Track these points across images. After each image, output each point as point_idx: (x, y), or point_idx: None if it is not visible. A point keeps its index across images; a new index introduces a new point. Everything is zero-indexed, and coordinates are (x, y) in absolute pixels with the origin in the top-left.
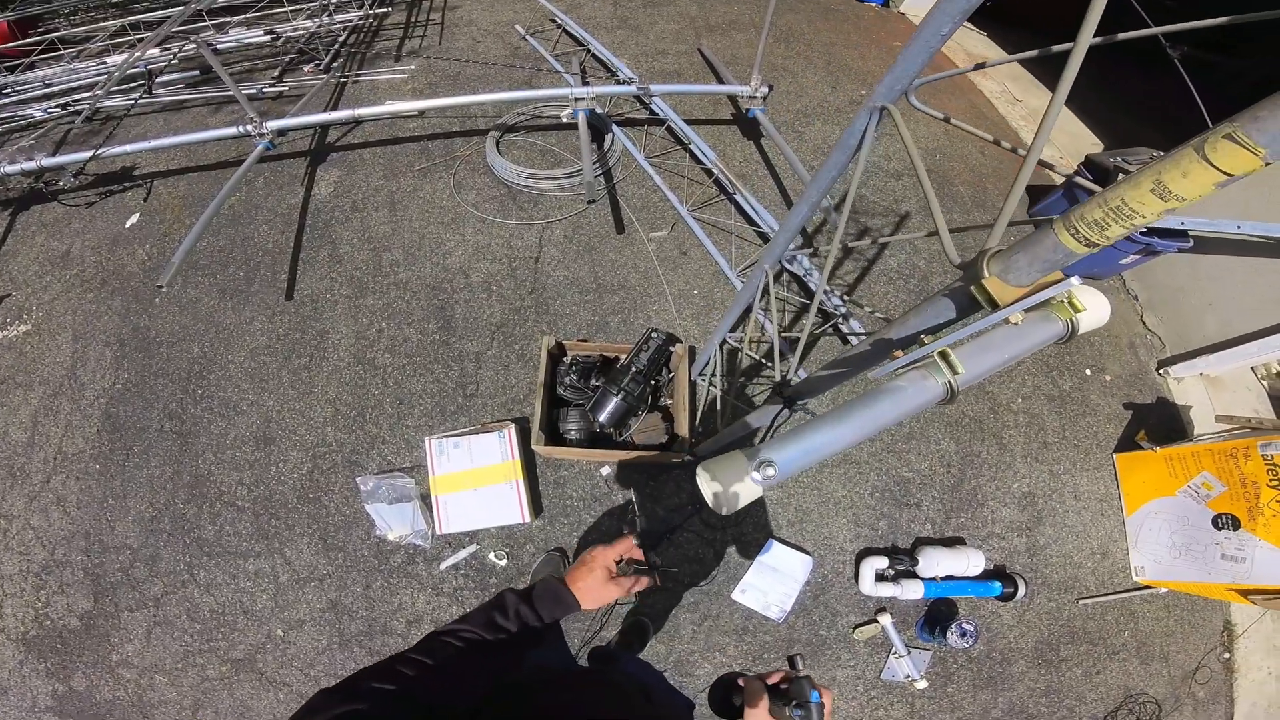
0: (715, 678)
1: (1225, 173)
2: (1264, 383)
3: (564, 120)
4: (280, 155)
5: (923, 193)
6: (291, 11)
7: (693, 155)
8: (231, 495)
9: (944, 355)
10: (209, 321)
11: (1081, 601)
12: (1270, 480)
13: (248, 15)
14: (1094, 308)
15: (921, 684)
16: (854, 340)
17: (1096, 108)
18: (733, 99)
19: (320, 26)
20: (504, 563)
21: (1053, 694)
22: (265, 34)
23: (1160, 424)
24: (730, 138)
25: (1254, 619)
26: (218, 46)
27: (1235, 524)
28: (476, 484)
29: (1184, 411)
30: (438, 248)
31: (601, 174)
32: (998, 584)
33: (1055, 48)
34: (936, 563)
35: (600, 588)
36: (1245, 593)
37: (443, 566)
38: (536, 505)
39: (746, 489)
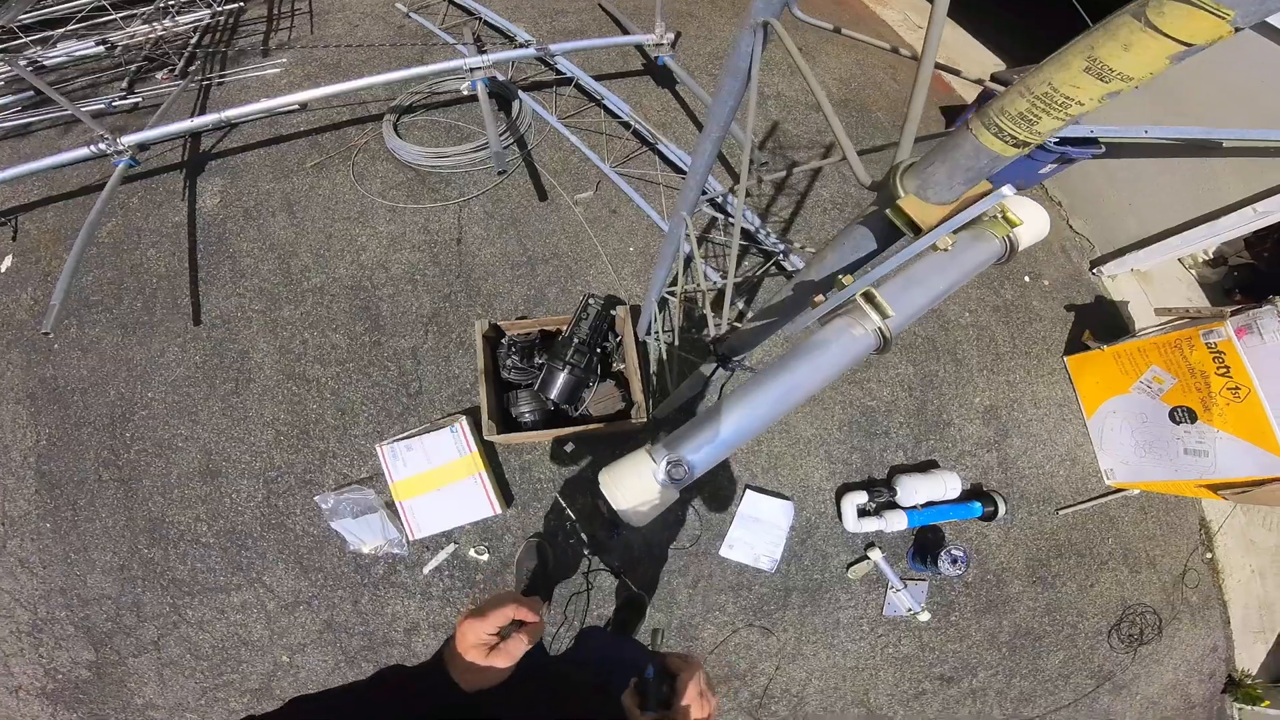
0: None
1: (1182, 42)
2: (1192, 272)
3: (464, 93)
4: (150, 172)
5: (824, 115)
6: (124, 18)
7: (607, 110)
8: (193, 533)
9: (868, 297)
10: (118, 360)
11: (1061, 512)
12: (1218, 369)
13: (74, 26)
14: (1031, 220)
15: (924, 616)
16: (790, 270)
17: (997, 36)
18: (640, 49)
19: (164, 31)
20: (485, 557)
21: (1054, 612)
22: (98, 44)
23: (1103, 322)
24: (645, 89)
25: (1226, 514)
26: (45, 63)
27: (1192, 416)
28: (439, 484)
29: (1123, 308)
30: (349, 245)
31: (513, 142)
32: (978, 504)
33: None
34: (915, 490)
35: (478, 671)
36: (1215, 488)
37: (426, 571)
38: (506, 494)
39: (658, 494)
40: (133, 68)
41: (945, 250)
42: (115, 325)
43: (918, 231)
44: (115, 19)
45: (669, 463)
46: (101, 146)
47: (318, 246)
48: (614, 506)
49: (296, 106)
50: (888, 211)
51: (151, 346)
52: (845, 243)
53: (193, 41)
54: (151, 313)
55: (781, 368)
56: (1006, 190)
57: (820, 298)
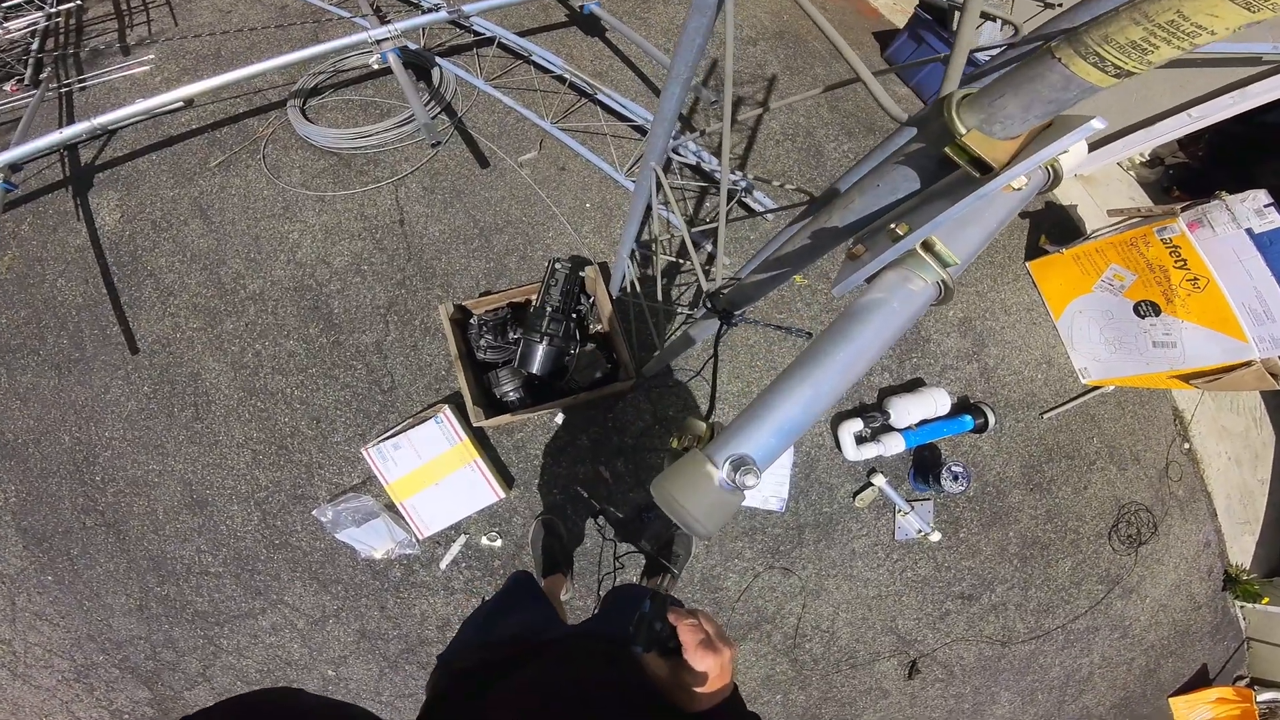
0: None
1: None
2: (1131, 173)
3: (375, 67)
4: (30, 195)
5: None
6: None
7: (538, 66)
8: (200, 565)
9: (927, 246)
10: (61, 404)
11: (1045, 415)
12: (1175, 262)
13: None
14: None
15: (935, 536)
16: (758, 209)
17: None
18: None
19: None
20: (499, 543)
21: (1054, 518)
22: None
23: (1056, 226)
24: (574, 39)
25: (1196, 401)
26: None
27: (1156, 309)
28: (436, 478)
29: (1072, 211)
30: (281, 244)
31: (440, 111)
32: (968, 418)
33: None
34: (907, 411)
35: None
36: (1186, 378)
37: (442, 566)
38: (505, 476)
39: (726, 500)
40: None
41: (1019, 190)
42: (47, 367)
43: (985, 169)
44: None
45: (733, 464)
46: None
47: (246, 250)
48: (679, 521)
49: (180, 104)
50: (947, 149)
51: (93, 384)
52: (880, 184)
53: (34, 47)
54: (81, 348)
55: (840, 335)
56: (1097, 123)
57: (860, 248)
